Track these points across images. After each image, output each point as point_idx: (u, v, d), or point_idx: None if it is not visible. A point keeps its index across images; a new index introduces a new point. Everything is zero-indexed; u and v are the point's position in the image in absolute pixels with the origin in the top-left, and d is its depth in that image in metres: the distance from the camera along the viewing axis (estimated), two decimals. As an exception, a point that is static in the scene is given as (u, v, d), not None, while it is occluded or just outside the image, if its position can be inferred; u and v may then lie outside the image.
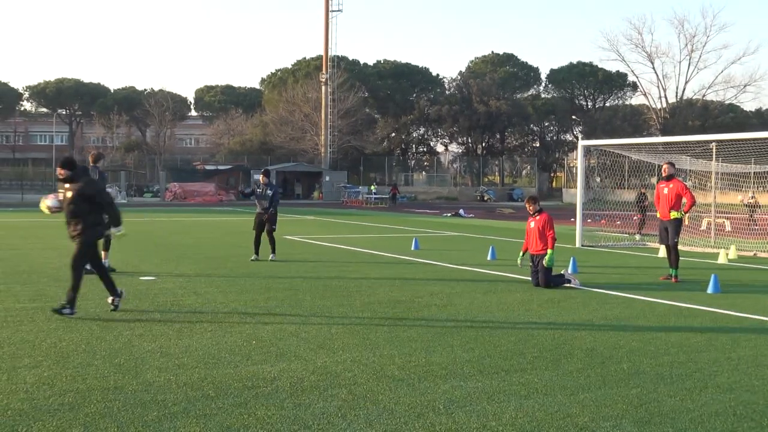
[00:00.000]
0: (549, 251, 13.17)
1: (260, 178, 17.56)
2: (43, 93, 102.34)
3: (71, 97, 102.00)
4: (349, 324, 9.64)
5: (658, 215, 15.01)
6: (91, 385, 6.69)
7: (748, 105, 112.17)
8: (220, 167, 73.27)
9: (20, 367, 7.30)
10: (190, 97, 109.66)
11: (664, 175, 15.00)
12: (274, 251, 17.02)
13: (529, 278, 13.63)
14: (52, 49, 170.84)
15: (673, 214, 14.63)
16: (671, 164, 15.24)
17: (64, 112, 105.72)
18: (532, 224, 13.55)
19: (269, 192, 17.02)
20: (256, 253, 17.05)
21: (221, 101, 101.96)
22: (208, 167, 73.45)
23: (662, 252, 19.59)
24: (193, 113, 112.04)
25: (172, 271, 14.86)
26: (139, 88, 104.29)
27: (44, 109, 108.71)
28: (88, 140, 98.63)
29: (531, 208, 13.72)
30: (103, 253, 15.19)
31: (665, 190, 14.79)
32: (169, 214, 37.84)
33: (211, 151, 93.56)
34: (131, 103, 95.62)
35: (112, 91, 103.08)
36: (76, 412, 5.97)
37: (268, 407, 6.15)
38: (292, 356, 7.87)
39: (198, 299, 11.44)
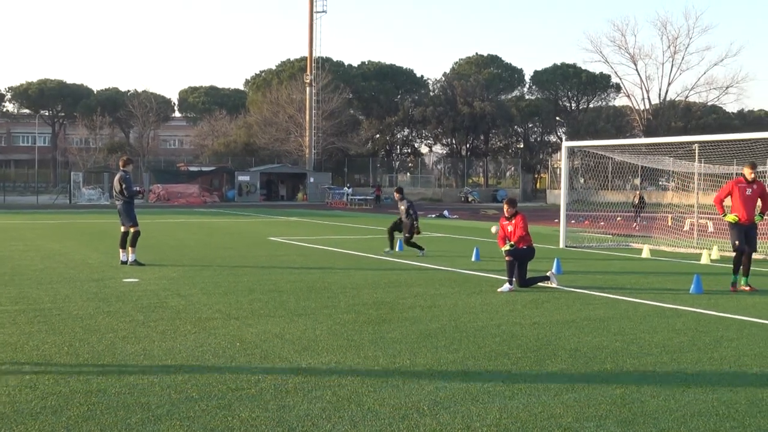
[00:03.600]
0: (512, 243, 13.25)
1: (395, 195, 20.28)
2: (25, 94, 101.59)
3: (54, 98, 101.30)
4: (334, 325, 9.64)
5: (737, 218, 13.48)
6: (74, 388, 6.66)
7: (731, 106, 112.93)
8: (204, 169, 72.95)
9: (2, 370, 7.26)
10: (174, 98, 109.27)
11: (750, 178, 13.63)
12: (391, 246, 19.41)
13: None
14: (34, 49, 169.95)
15: (758, 219, 13.57)
16: (754, 165, 13.91)
17: (46, 113, 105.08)
18: (510, 228, 13.50)
19: (402, 208, 19.29)
20: (390, 246, 19.43)
21: (205, 102, 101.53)
22: (191, 168, 73.12)
23: (646, 252, 19.69)
24: (177, 114, 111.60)
25: (156, 272, 14.80)
26: (123, 89, 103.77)
27: (27, 110, 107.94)
28: (71, 141, 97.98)
29: (508, 211, 13.64)
30: (129, 249, 15.78)
31: (748, 191, 13.57)
32: (153, 216, 37.68)
33: (194, 153, 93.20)
34: (115, 104, 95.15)
35: (95, 92, 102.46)
36: (58, 415, 5.93)
37: (252, 409, 6.14)
38: (276, 358, 7.86)
39: (181, 301, 11.40)
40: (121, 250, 16.31)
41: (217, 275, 14.50)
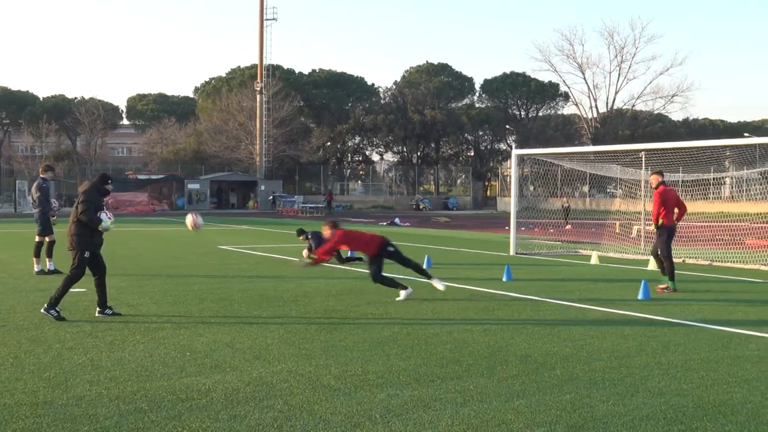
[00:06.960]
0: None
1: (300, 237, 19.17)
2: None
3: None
4: (285, 334, 9.59)
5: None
6: (19, 400, 6.53)
7: (676, 115, 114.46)
8: (153, 177, 72.30)
9: (-56, 382, 7.09)
10: (122, 106, 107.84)
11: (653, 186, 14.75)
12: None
13: (463, 286, 13.76)
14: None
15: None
16: (659, 173, 14.94)
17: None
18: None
19: (312, 244, 17.77)
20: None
21: (154, 110, 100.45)
22: (140, 177, 72.40)
23: (594, 259, 19.95)
24: (125, 122, 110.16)
25: (104, 282, 14.56)
26: (69, 96, 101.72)
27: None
28: (16, 149, 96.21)
29: (328, 233, 13.41)
30: (46, 258, 15.52)
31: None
32: (101, 225, 37.09)
33: (143, 161, 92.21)
34: (61, 112, 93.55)
35: (41, 99, 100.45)
36: (3, 428, 5.81)
37: (202, 420, 6.08)
38: (227, 367, 7.79)
39: (130, 310, 11.26)
40: (35, 259, 15.82)
41: (166, 284, 14.34)
